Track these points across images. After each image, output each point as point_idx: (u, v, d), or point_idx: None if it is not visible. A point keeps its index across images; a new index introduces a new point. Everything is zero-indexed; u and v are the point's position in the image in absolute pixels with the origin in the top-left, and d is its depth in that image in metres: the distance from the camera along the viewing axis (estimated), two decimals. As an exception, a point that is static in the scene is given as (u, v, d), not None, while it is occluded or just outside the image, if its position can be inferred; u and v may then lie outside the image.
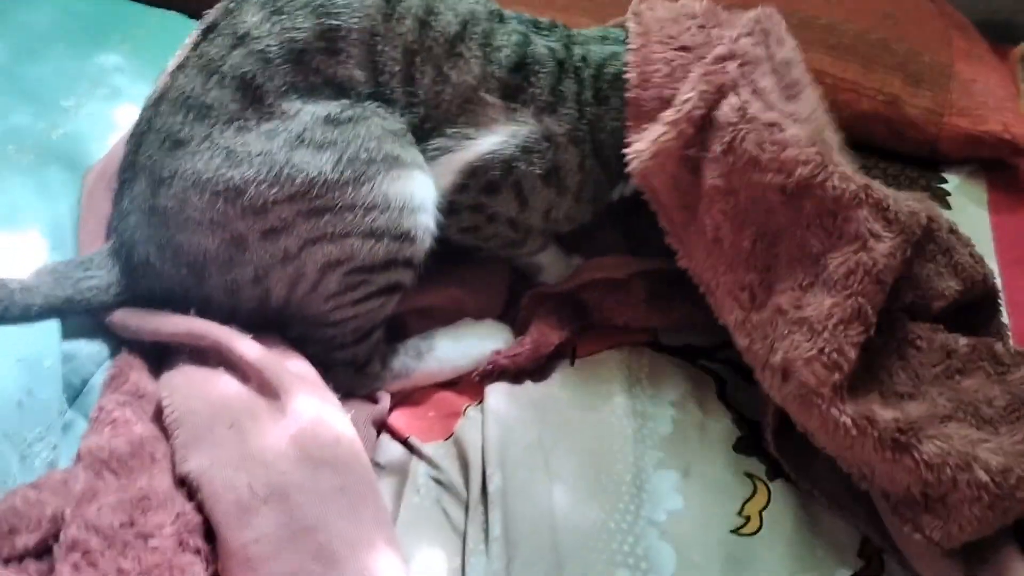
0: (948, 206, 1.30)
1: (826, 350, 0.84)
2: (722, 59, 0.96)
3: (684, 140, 0.94)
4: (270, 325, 0.94)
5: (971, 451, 0.78)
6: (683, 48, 0.99)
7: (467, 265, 1.09)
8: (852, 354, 0.83)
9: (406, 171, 0.91)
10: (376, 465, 0.92)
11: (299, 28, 0.89)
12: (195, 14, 0.99)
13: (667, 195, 0.97)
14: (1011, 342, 1.00)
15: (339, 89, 0.90)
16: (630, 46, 1.00)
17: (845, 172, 0.89)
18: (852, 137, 1.38)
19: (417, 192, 0.91)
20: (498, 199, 0.99)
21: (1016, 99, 1.39)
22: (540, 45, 0.98)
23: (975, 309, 1.00)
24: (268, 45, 0.88)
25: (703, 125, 0.94)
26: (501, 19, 0.99)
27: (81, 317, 0.91)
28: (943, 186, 1.33)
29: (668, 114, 0.94)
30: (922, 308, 0.93)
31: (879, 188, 0.91)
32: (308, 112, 0.88)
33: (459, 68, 0.94)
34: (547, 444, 0.93)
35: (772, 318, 0.89)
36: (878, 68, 1.36)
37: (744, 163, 0.91)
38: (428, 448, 0.93)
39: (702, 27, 1.01)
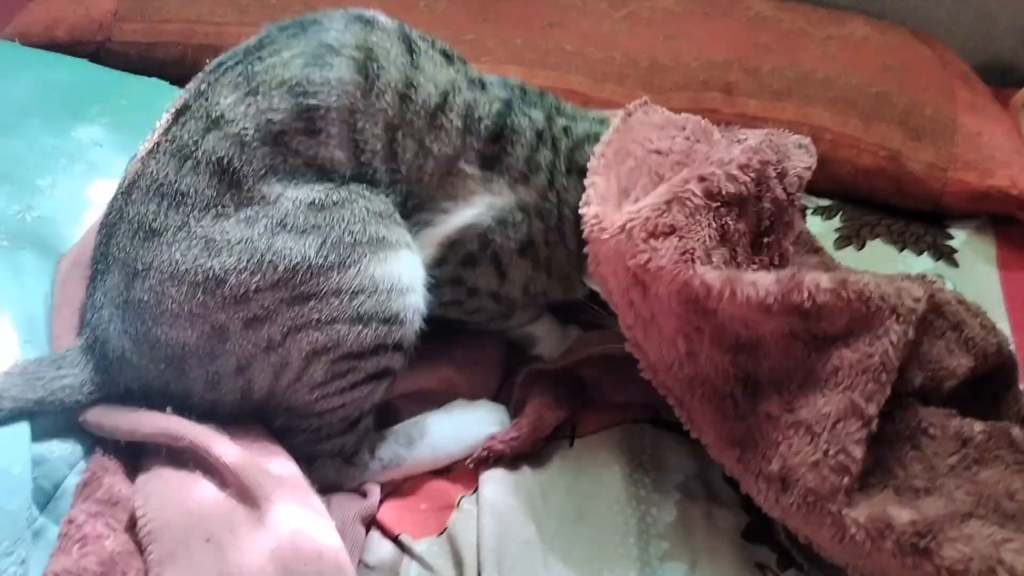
0: (955, 263, 1.27)
1: (830, 452, 0.79)
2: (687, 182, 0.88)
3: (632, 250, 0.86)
4: (254, 416, 0.90)
5: (995, 553, 0.73)
6: (657, 151, 0.95)
7: (459, 343, 1.06)
8: (858, 453, 0.78)
9: (393, 252, 0.88)
10: (364, 566, 0.87)
11: (276, 109, 0.86)
12: (177, 81, 0.96)
13: (620, 298, 0.90)
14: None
15: (320, 170, 0.87)
16: (606, 136, 0.96)
17: (819, 283, 0.82)
18: (855, 193, 1.36)
19: (405, 273, 0.88)
20: (477, 272, 0.97)
21: (1022, 149, 1.36)
22: (521, 114, 0.95)
23: (989, 379, 0.96)
24: (244, 127, 0.85)
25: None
26: (483, 87, 0.96)
27: (53, 416, 0.86)
28: (949, 243, 1.30)
29: (616, 219, 0.87)
30: (933, 390, 0.88)
31: (858, 280, 0.83)
32: (289, 197, 0.85)
33: (440, 140, 0.92)
34: (546, 539, 0.89)
35: (761, 425, 0.84)
36: (879, 123, 1.33)
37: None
38: (421, 545, 0.89)
39: (687, 139, 0.97)
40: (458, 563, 0.87)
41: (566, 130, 0.98)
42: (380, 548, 0.89)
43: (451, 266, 0.95)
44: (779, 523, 0.88)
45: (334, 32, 0.90)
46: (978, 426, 0.86)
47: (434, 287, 0.94)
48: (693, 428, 0.90)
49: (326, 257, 0.84)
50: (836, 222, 1.33)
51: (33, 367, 0.87)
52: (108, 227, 0.88)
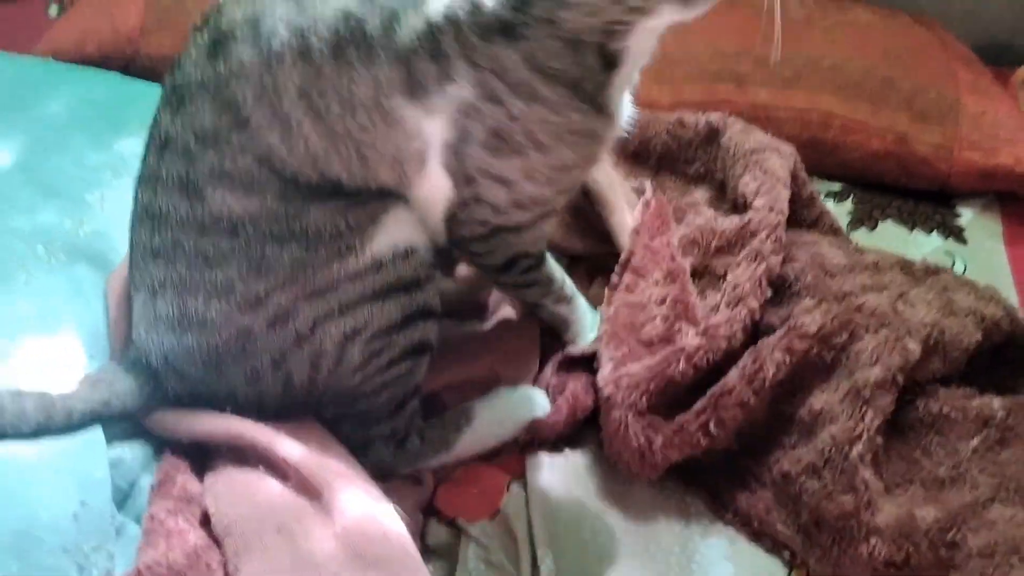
0: (964, 241, 1.32)
1: (837, 478, 0.87)
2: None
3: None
4: (303, 408, 0.93)
5: (1018, 534, 0.79)
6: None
7: (497, 334, 1.10)
8: (867, 474, 0.86)
9: (378, 225, 0.88)
10: (425, 548, 0.92)
11: (201, 112, 0.85)
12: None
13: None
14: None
15: (269, 166, 0.85)
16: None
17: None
18: (865, 177, 1.41)
19: (399, 236, 0.89)
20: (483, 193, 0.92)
21: (1025, 128, 1.41)
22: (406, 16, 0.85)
23: (1004, 350, 1.02)
24: (185, 141, 0.85)
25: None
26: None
27: (123, 422, 0.91)
28: (957, 221, 1.35)
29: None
30: (952, 371, 0.94)
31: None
32: (243, 207, 0.85)
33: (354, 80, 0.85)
34: (591, 515, 0.94)
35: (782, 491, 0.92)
36: (885, 107, 1.38)
37: None
38: (475, 528, 0.93)
39: (665, 319, 1.03)
40: (512, 541, 0.92)
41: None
42: (437, 531, 0.94)
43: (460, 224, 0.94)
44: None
45: (226, 19, 0.86)
46: (997, 403, 0.92)
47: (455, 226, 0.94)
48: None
49: (316, 253, 0.86)
50: (848, 205, 1.38)
51: (95, 375, 0.92)
52: (130, 251, 0.93)
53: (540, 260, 1.04)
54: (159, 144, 0.87)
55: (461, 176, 0.90)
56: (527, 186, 0.92)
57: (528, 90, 0.85)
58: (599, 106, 0.89)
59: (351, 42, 0.83)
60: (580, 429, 1.03)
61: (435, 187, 0.91)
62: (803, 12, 1.51)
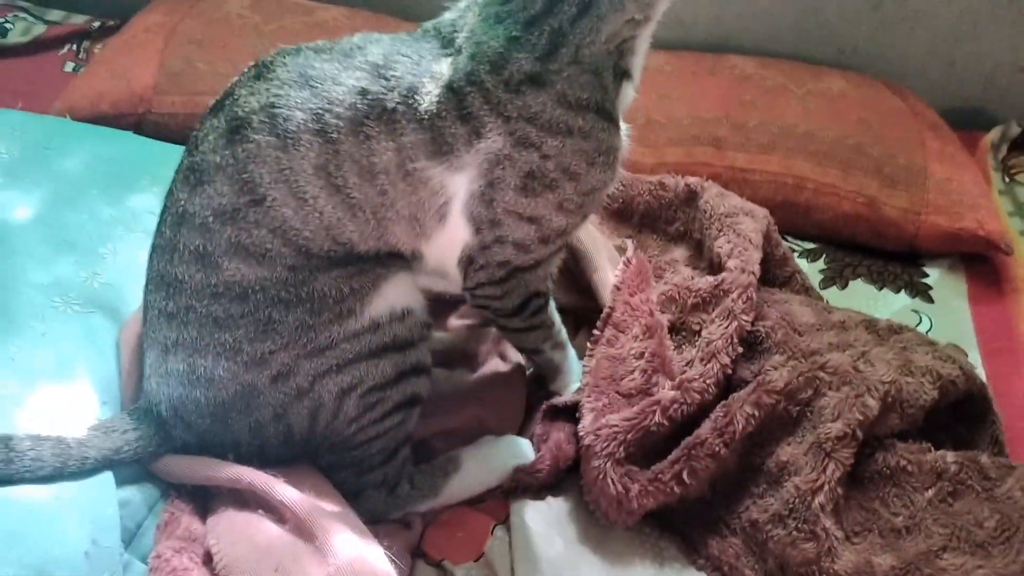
0: (931, 300, 1.39)
1: (800, 527, 0.92)
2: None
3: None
4: (301, 456, 0.99)
5: None
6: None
7: (485, 384, 1.16)
8: (828, 523, 0.92)
9: (378, 290, 0.94)
10: (413, 590, 0.97)
11: (222, 193, 0.91)
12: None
13: None
14: (1002, 434, 1.07)
15: (283, 236, 0.91)
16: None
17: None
18: (837, 237, 1.48)
19: (397, 300, 0.95)
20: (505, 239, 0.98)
21: (989, 196, 1.48)
22: (425, 79, 0.91)
23: (961, 406, 1.08)
24: (205, 216, 0.91)
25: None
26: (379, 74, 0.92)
27: (131, 466, 0.97)
28: (924, 280, 1.42)
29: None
30: (909, 427, 1.00)
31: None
32: (255, 275, 0.91)
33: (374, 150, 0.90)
34: (572, 561, 0.99)
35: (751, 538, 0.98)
36: (856, 172, 1.46)
37: None
38: (460, 571, 0.99)
39: (644, 372, 1.09)
40: (495, 583, 0.97)
41: (473, 56, 0.91)
42: (425, 573, 0.99)
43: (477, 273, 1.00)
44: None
45: (242, 107, 0.91)
46: (950, 457, 0.98)
47: (473, 271, 0.99)
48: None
49: (318, 317, 0.92)
50: (821, 264, 1.45)
51: (109, 423, 0.98)
52: (143, 311, 0.99)
53: (547, 300, 1.10)
54: (176, 218, 0.93)
55: (485, 221, 0.96)
56: (557, 219, 0.97)
57: (562, 126, 0.92)
58: (615, 120, 0.97)
59: (369, 116, 0.90)
60: (562, 476, 1.08)
61: (452, 237, 0.97)
62: (779, 81, 1.59)
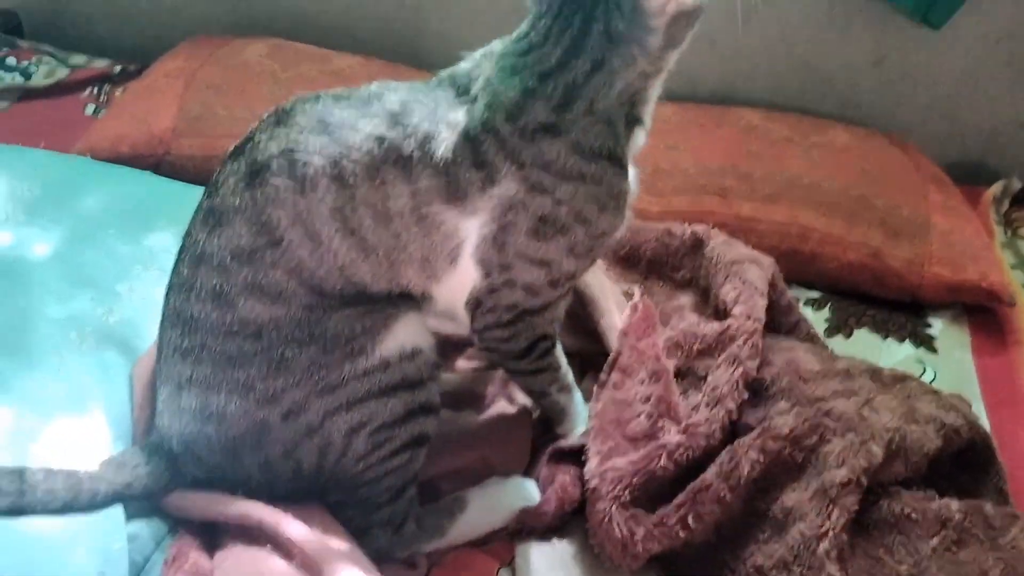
0: (934, 350, 1.40)
1: (805, 573, 0.92)
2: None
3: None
4: (309, 493, 1.00)
5: None
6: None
7: (491, 425, 1.17)
8: (833, 569, 0.92)
9: (387, 331, 0.96)
10: (417, 630, 0.97)
11: (240, 234, 0.93)
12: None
13: None
14: (1006, 484, 1.07)
15: (299, 277, 0.93)
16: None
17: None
18: (841, 286, 1.50)
19: (407, 339, 0.97)
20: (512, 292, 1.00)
21: (991, 248, 1.50)
22: (442, 126, 0.93)
23: (964, 455, 1.08)
24: (223, 256, 0.93)
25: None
26: (395, 122, 0.94)
27: (140, 500, 0.98)
28: (928, 331, 1.43)
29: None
30: (914, 474, 1.01)
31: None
32: (270, 314, 0.93)
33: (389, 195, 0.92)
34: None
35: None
36: (860, 222, 1.48)
37: None
38: (465, 611, 0.99)
39: (648, 416, 1.10)
40: (500, 626, 0.98)
41: (489, 105, 0.93)
42: (429, 615, 1.00)
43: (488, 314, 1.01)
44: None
45: (261, 152, 0.93)
46: (955, 505, 0.98)
47: (482, 314, 1.01)
48: None
49: (331, 355, 0.93)
50: (826, 312, 1.46)
51: (120, 457, 1.00)
52: (158, 349, 1.01)
53: (554, 343, 1.12)
54: (194, 258, 0.95)
55: (496, 264, 0.98)
56: (567, 263, 0.99)
57: (575, 173, 0.94)
58: (625, 166, 0.99)
59: (386, 162, 0.92)
60: (567, 519, 1.08)
61: (463, 279, 0.99)
62: (784, 133, 1.62)
